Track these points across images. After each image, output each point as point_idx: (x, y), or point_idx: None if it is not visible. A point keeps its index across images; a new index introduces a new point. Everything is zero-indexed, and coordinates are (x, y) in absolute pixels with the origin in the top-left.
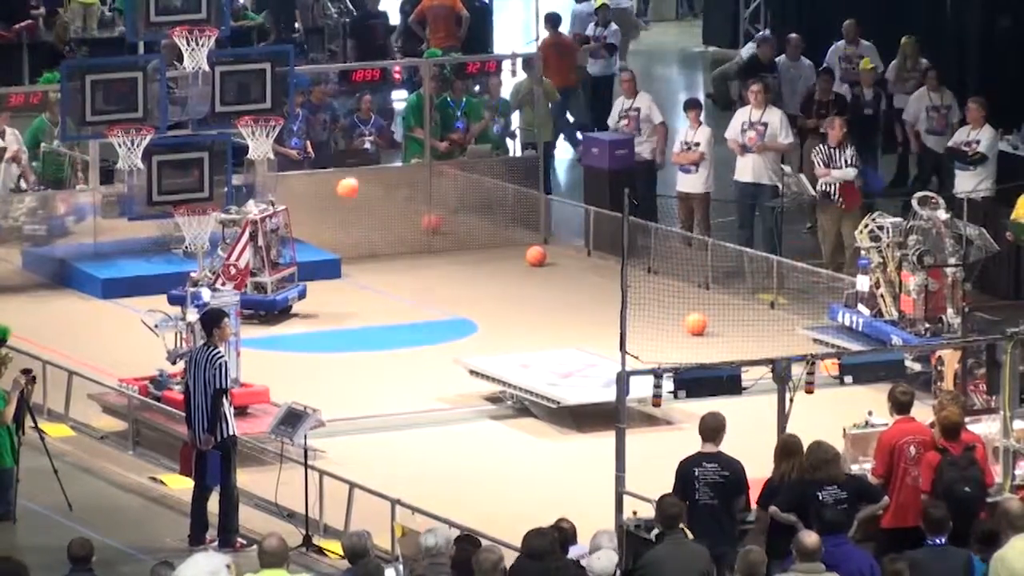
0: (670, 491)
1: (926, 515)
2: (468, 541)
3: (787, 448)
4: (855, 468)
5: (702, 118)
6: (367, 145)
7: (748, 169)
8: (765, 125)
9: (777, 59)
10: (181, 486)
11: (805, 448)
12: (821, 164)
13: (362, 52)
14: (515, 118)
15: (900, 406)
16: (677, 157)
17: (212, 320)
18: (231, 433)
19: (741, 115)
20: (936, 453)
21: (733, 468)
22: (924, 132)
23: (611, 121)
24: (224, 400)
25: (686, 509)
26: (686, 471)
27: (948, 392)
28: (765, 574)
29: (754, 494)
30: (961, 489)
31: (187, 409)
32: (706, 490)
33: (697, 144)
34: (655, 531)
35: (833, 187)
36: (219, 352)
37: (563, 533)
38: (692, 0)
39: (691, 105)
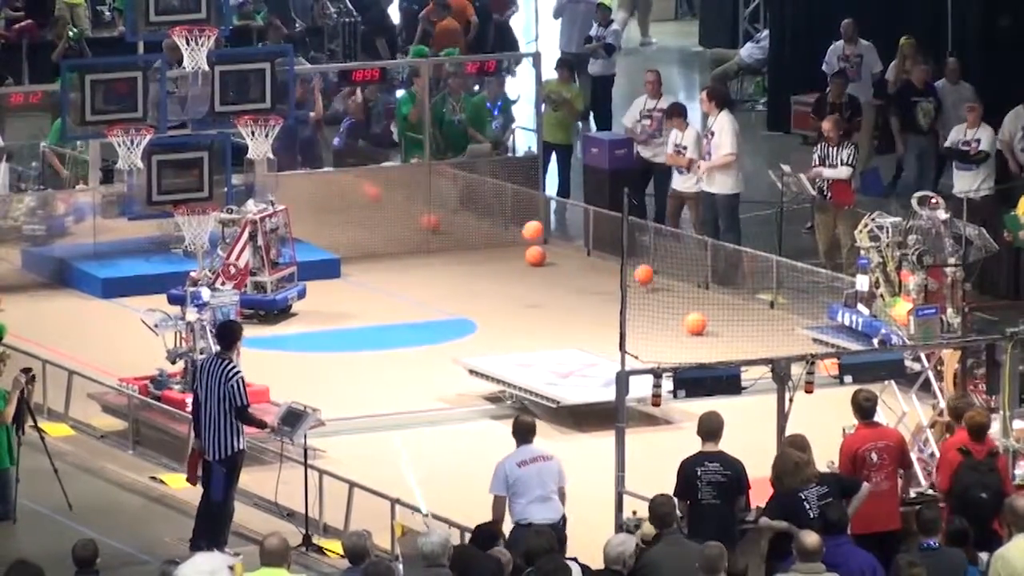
0: (667, 491)
1: (919, 516)
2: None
3: (797, 447)
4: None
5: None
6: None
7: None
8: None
9: (936, 83)
10: (181, 486)
11: (809, 445)
12: (817, 160)
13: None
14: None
15: (862, 411)
16: (669, 159)
17: (233, 334)
18: (241, 447)
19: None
20: (957, 454)
21: (735, 467)
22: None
23: (628, 120)
24: (246, 415)
25: (688, 509)
26: (689, 471)
27: (957, 395)
28: (738, 569)
29: (754, 494)
30: (977, 495)
31: (196, 418)
32: (709, 489)
33: (685, 148)
34: (639, 531)
35: (825, 185)
36: (235, 366)
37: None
38: (691, 0)
39: (674, 112)
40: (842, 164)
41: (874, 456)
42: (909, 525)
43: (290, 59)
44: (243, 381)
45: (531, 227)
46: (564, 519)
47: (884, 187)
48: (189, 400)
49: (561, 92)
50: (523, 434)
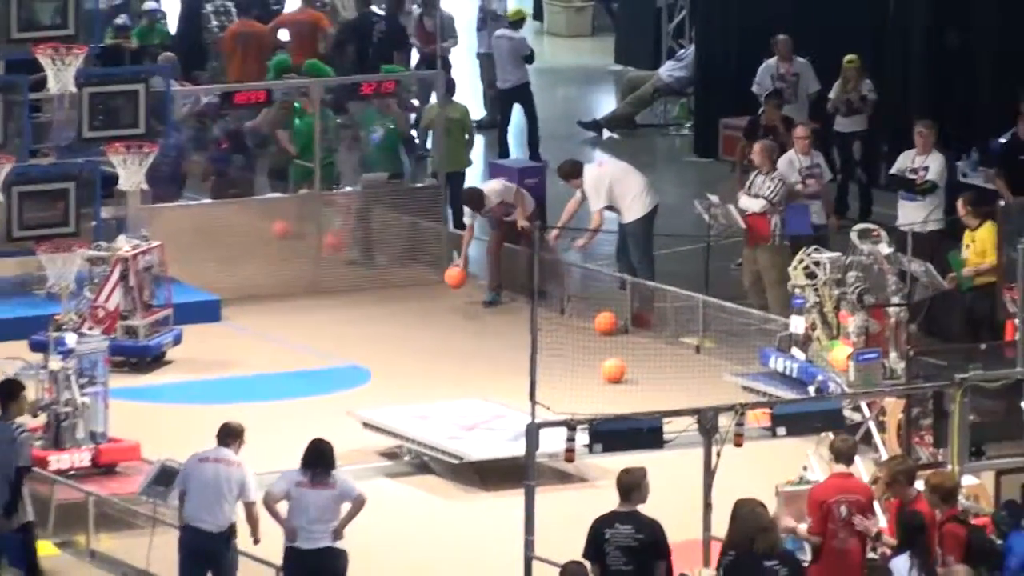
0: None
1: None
2: None
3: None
4: (799, 526)
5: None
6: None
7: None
8: None
9: None
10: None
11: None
12: (743, 186)
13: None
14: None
15: (840, 455)
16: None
17: (7, 392)
18: (32, 518)
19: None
20: (959, 525)
21: (649, 530)
22: None
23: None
24: (22, 479)
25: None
26: (596, 532)
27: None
28: None
29: (677, 559)
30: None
31: None
32: (617, 555)
33: None
34: None
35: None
36: (20, 427)
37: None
38: (613, 14)
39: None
40: (760, 196)
41: (843, 510)
42: None
43: (167, 79)
44: (28, 443)
45: (452, 274)
46: (230, 530)
47: (813, 228)
48: (52, 458)
49: (447, 114)
50: (223, 436)
